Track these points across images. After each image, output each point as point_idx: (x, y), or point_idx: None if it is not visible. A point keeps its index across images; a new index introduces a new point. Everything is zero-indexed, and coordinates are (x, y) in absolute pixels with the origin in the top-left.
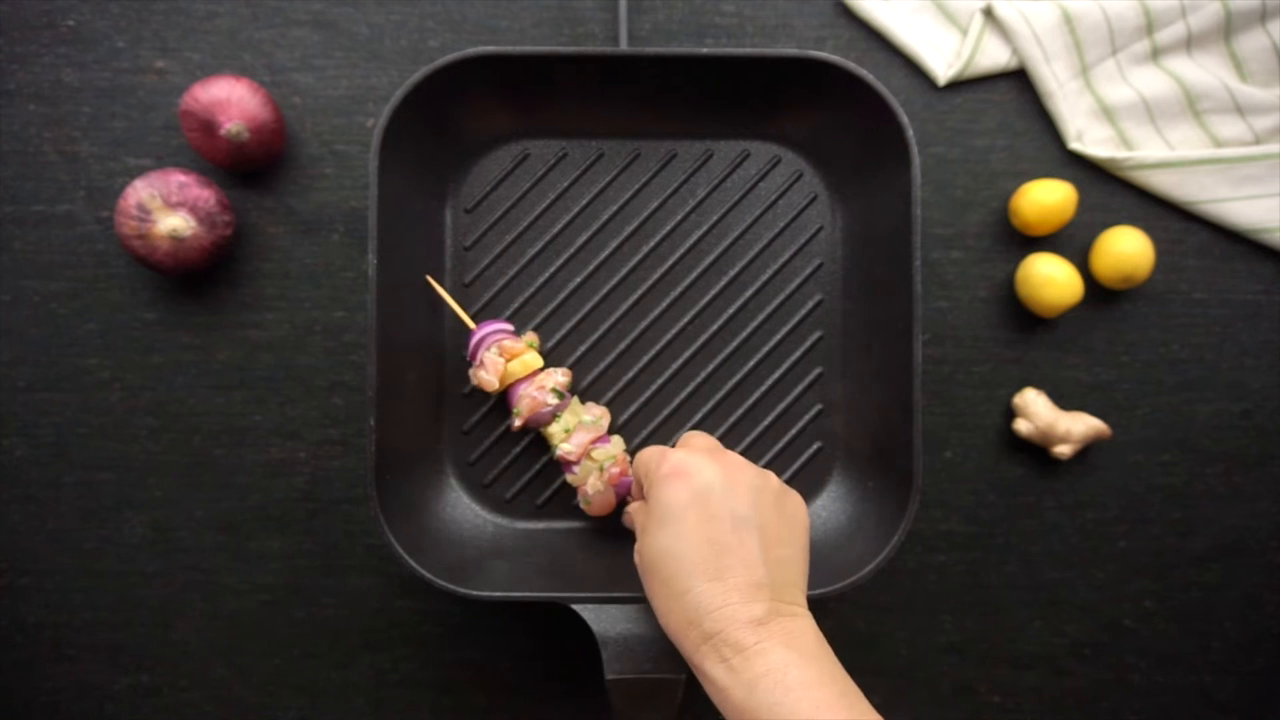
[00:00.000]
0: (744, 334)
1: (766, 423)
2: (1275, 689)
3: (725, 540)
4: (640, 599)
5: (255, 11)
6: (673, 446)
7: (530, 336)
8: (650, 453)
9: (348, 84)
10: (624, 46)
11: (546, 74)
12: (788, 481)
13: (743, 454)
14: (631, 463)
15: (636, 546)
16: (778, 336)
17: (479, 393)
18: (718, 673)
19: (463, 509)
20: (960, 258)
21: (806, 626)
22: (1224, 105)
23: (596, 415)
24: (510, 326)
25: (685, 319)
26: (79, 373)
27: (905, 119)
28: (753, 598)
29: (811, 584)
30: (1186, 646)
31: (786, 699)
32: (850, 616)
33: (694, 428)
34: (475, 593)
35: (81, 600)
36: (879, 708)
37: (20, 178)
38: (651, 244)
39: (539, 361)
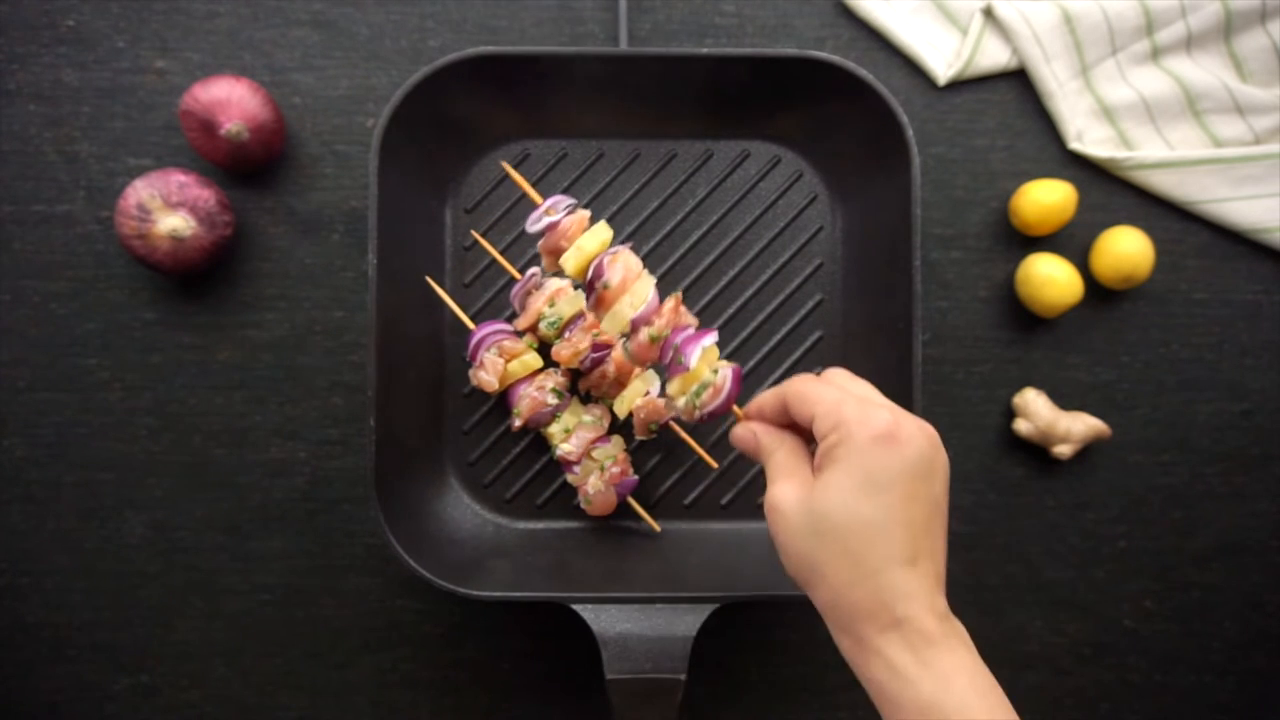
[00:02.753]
0: (744, 334)
1: None
2: (1275, 689)
3: (922, 524)
4: (640, 599)
5: (255, 11)
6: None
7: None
8: (836, 393)
9: (348, 84)
10: (624, 46)
11: (546, 74)
12: None
13: (742, 455)
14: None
15: (788, 493)
16: (778, 336)
17: (479, 393)
18: (905, 661)
19: (463, 509)
20: (960, 258)
21: (963, 628)
22: (1224, 105)
23: (597, 415)
24: (510, 327)
25: None
26: (79, 373)
27: (905, 119)
28: (938, 590)
29: None
30: (1186, 646)
31: (979, 703)
32: None
33: (696, 426)
34: (475, 593)
35: (81, 600)
36: None
37: (20, 178)
38: (651, 244)
39: (539, 362)
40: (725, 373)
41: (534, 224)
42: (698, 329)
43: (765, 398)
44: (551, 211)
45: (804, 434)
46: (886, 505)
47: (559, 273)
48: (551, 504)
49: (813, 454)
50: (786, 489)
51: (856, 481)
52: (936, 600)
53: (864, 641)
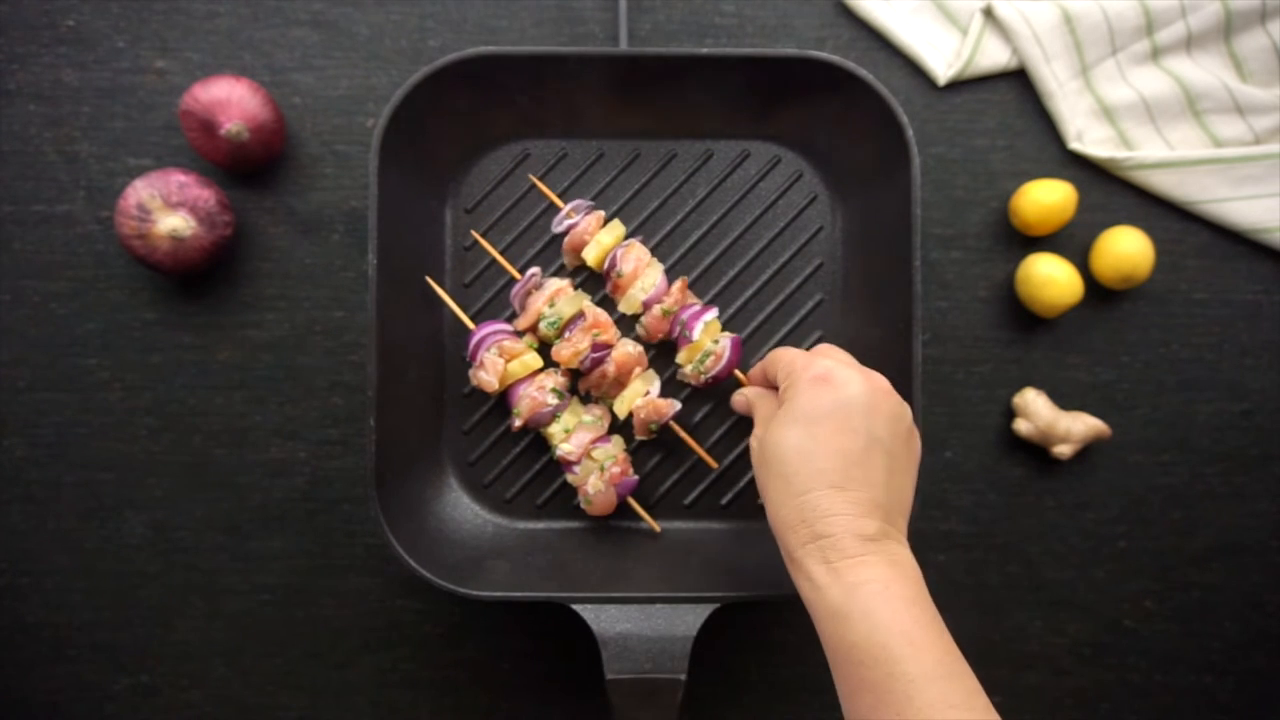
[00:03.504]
0: (745, 334)
1: None
2: (1275, 689)
3: (855, 455)
4: (640, 599)
5: (255, 11)
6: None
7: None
8: (796, 352)
9: (348, 84)
10: (624, 46)
11: (546, 74)
12: None
13: (742, 455)
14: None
15: (757, 434)
16: (778, 337)
17: (479, 393)
18: (818, 571)
19: (463, 509)
20: (960, 258)
21: (908, 555)
22: (1224, 105)
23: (597, 415)
24: (510, 327)
25: None
26: (79, 373)
27: (905, 119)
28: (867, 514)
29: None
30: (1186, 646)
31: (884, 608)
32: None
33: (696, 426)
34: (475, 593)
35: (81, 600)
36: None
37: (20, 178)
38: (652, 244)
39: (539, 362)
40: (725, 342)
41: (558, 225)
42: (701, 307)
43: (755, 367)
44: (572, 214)
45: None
46: (816, 435)
47: (563, 271)
48: (551, 504)
49: None
50: (757, 432)
51: (794, 415)
52: (863, 524)
53: (790, 553)
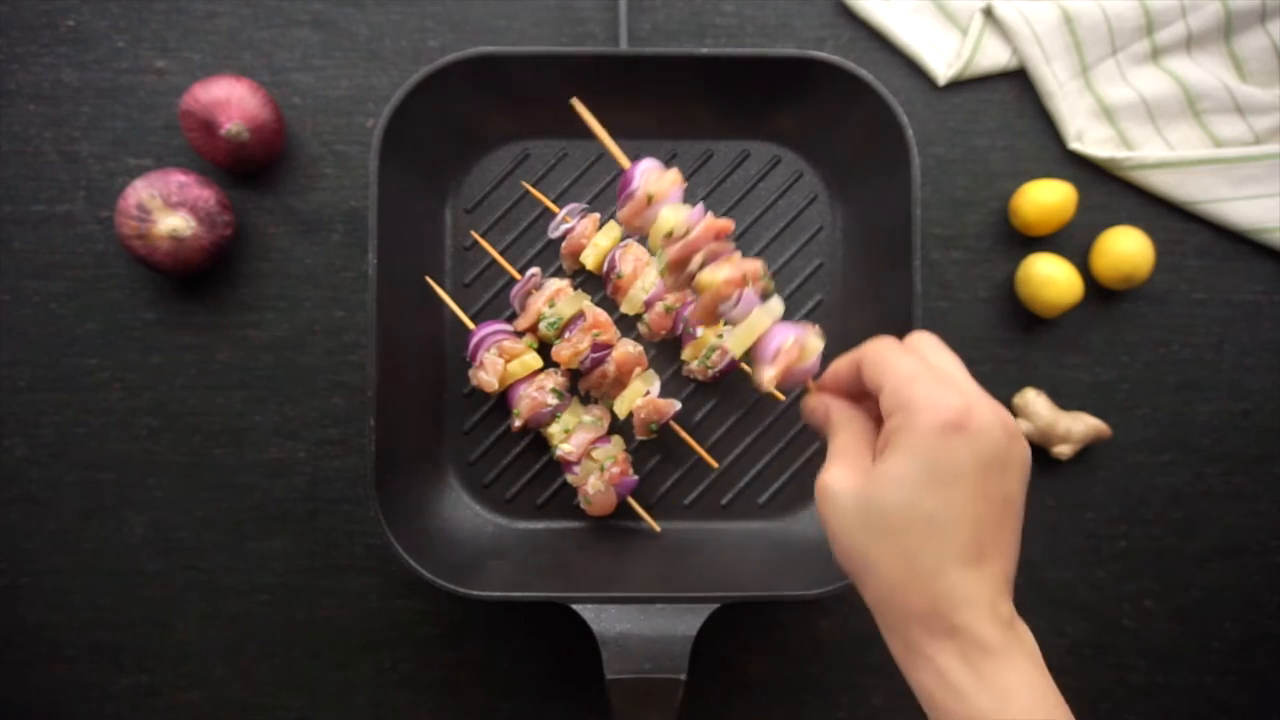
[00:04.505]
0: None
1: (767, 422)
2: (1275, 689)
3: (990, 521)
4: (640, 599)
5: (255, 11)
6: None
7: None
8: (911, 365)
9: (348, 84)
10: (624, 46)
11: (547, 74)
12: (787, 481)
13: (742, 454)
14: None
15: (837, 474)
16: None
17: (479, 393)
18: (960, 674)
19: (463, 509)
20: (960, 258)
21: (1029, 634)
22: (1224, 105)
23: (597, 415)
24: (510, 327)
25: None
26: (79, 373)
27: (905, 119)
28: (1004, 593)
29: (812, 584)
30: (1186, 646)
31: None
32: (850, 616)
33: (696, 426)
34: (475, 593)
35: (81, 600)
36: (879, 708)
37: (20, 178)
38: None
39: (538, 362)
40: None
41: (555, 231)
42: None
43: (841, 363)
44: (567, 219)
45: (877, 406)
46: (950, 501)
47: (562, 273)
48: (551, 504)
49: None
50: (841, 474)
51: (917, 472)
52: (1000, 605)
53: (914, 646)
